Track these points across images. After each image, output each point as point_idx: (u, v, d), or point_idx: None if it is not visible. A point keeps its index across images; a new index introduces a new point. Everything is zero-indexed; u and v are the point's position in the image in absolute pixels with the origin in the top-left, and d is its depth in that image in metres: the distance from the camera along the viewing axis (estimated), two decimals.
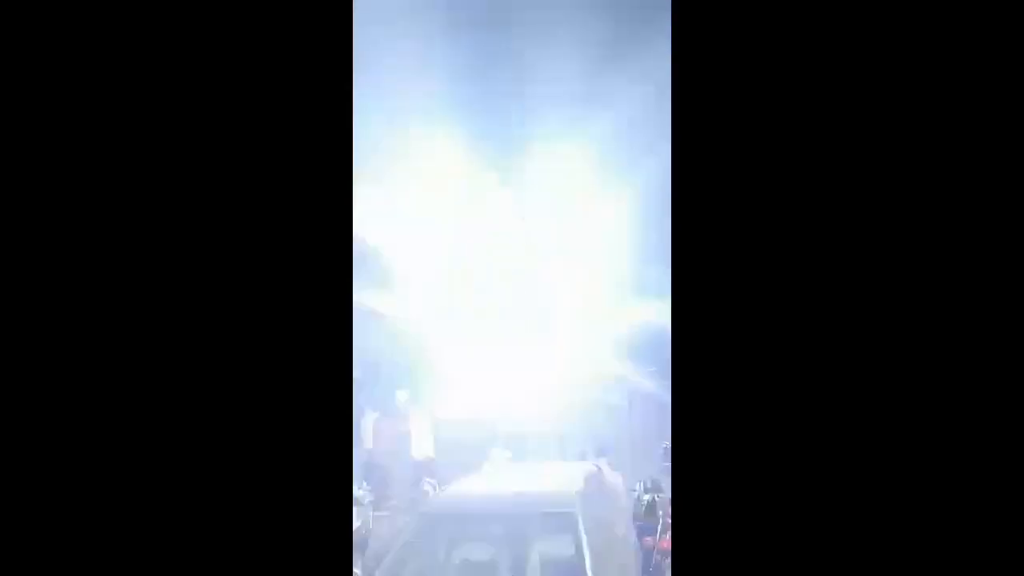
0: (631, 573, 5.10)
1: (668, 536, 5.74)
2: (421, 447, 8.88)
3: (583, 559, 3.70)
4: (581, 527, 3.79)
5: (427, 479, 5.88)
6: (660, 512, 6.04)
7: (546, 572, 4.09)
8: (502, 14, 9.74)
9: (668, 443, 6.53)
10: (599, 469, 5.37)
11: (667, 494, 6.04)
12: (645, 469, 7.99)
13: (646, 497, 6.24)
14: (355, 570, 4.05)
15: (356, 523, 4.79)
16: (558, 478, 4.67)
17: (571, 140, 10.30)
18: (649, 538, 5.97)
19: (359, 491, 5.81)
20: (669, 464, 5.93)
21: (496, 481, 4.36)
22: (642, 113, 8.97)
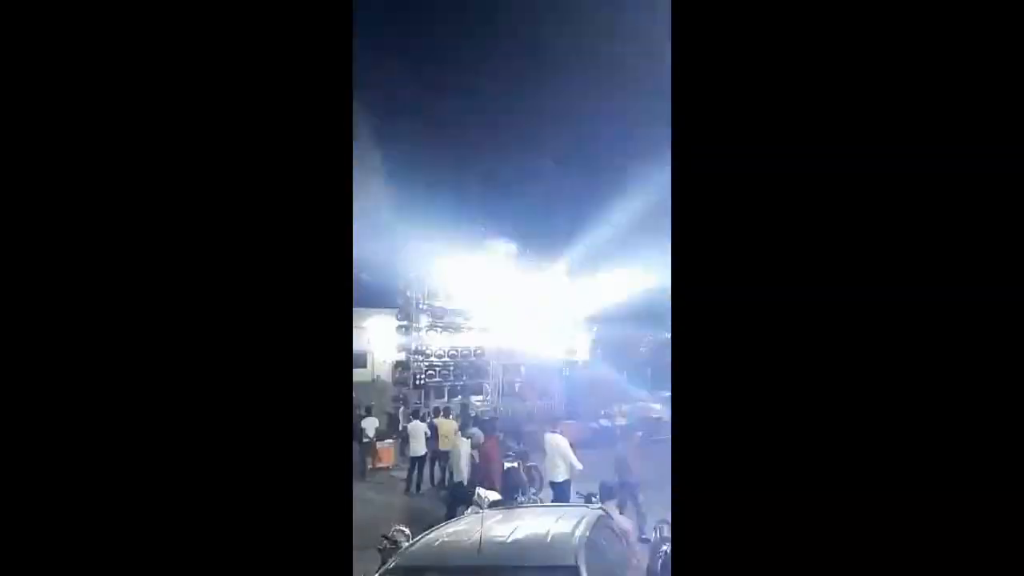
0: None
1: None
2: None
3: None
4: None
5: (396, 526, 4.97)
6: None
7: None
8: None
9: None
10: (606, 513, 4.56)
11: None
12: (660, 513, 7.12)
13: (664, 548, 5.34)
14: None
15: None
16: (557, 524, 3.85)
17: None
18: None
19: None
20: None
21: (482, 528, 3.53)
22: None
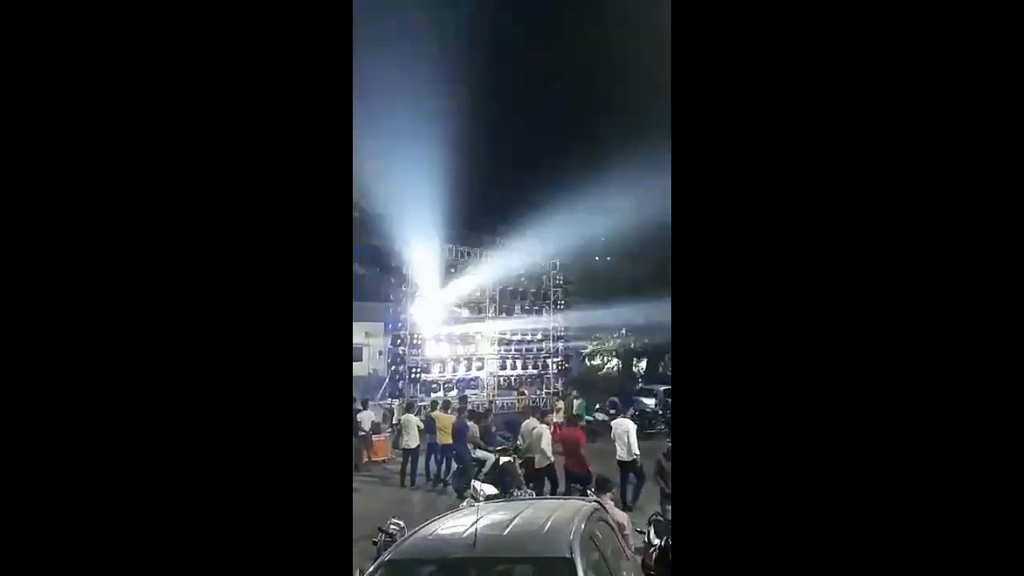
0: None
1: None
2: None
3: None
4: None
5: (392, 519, 4.98)
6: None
7: None
8: None
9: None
10: (601, 507, 4.57)
11: None
12: (655, 507, 7.14)
13: (657, 541, 5.35)
14: None
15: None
16: (552, 517, 3.87)
17: None
18: None
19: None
20: None
21: (478, 520, 3.54)
22: None
